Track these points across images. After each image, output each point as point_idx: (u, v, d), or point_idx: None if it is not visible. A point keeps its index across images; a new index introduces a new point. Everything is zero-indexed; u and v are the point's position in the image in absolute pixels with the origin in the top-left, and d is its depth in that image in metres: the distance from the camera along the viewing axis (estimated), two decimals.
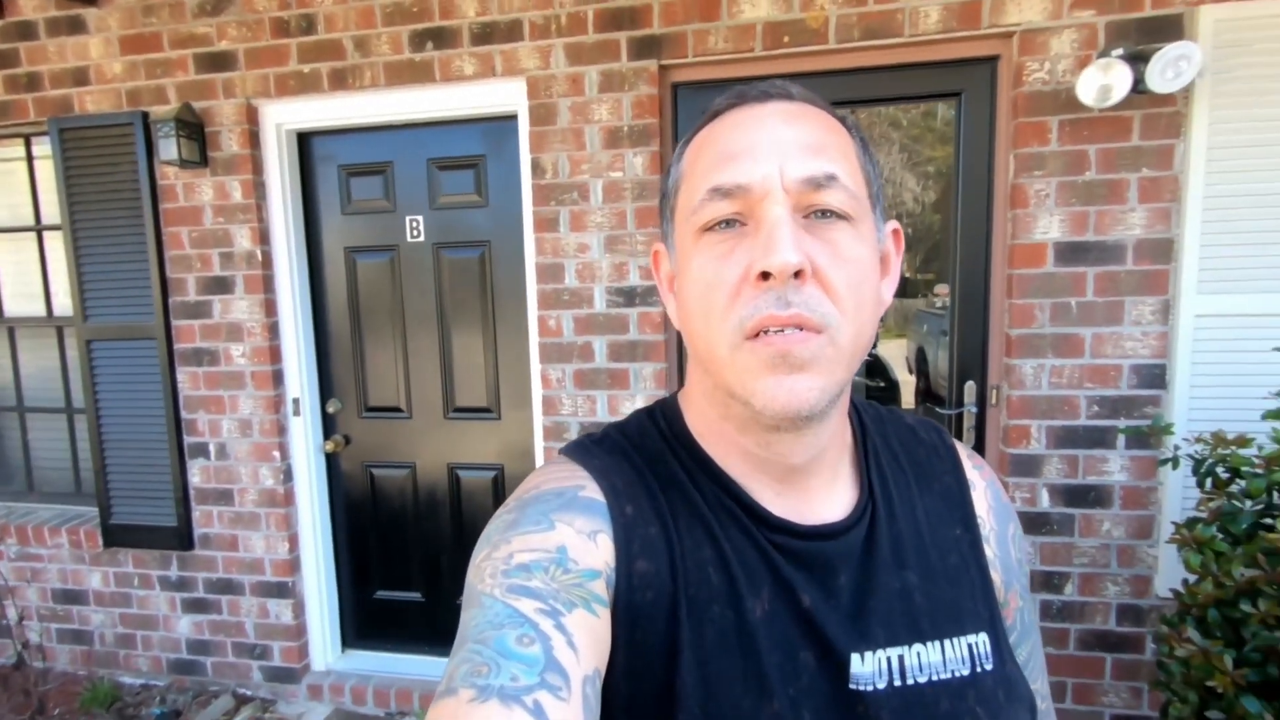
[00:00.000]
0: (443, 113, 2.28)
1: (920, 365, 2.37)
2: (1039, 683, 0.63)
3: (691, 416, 0.59)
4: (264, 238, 2.40)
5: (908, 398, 2.37)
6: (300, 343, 2.47)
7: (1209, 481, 1.48)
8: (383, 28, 2.21)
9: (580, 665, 0.44)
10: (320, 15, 2.24)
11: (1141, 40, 1.80)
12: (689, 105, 2.14)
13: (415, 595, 2.62)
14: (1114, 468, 1.94)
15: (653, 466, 0.56)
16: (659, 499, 0.54)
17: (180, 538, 2.53)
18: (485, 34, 2.15)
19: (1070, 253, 1.91)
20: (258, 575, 2.53)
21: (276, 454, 2.46)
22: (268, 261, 2.42)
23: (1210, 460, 1.46)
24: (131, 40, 2.36)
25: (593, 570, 0.49)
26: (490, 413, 2.47)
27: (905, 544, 0.57)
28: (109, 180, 2.41)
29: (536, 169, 2.17)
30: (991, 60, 1.96)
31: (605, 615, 0.48)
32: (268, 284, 2.41)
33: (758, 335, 0.47)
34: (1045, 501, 1.99)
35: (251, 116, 2.35)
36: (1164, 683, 1.44)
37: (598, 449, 0.58)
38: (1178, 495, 1.89)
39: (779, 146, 0.48)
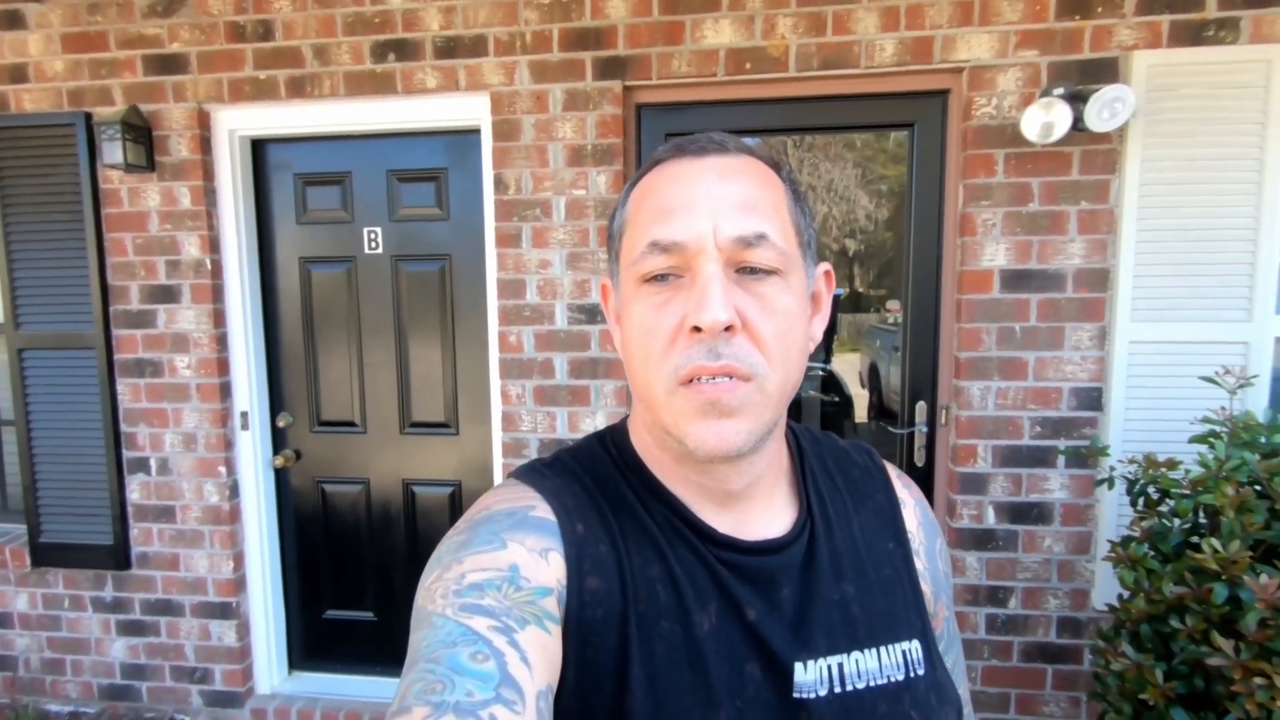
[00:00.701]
0: (404, 124, 2.25)
1: (873, 381, 2.43)
2: (961, 689, 0.66)
3: (637, 443, 0.61)
4: (214, 246, 2.33)
5: (860, 412, 2.43)
6: (250, 354, 2.40)
7: (1141, 501, 1.56)
8: (344, 37, 2.17)
9: (534, 681, 0.45)
10: (279, 22, 2.19)
11: (1081, 81, 1.91)
12: (652, 126, 2.17)
13: (367, 614, 2.55)
14: (1054, 486, 2.03)
15: (603, 488, 0.58)
16: (609, 518, 0.56)
17: (116, 557, 2.41)
18: (449, 48, 2.13)
19: (1015, 280, 1.99)
20: (200, 595, 2.43)
21: (222, 469, 2.38)
22: (217, 270, 2.34)
23: (1142, 481, 1.54)
24: (75, 38, 2.27)
25: (544, 588, 0.50)
26: (448, 428, 2.44)
27: (843, 558, 0.60)
28: (47, 182, 2.31)
29: (499, 184, 2.17)
30: (943, 94, 2.05)
31: (557, 632, 0.49)
32: (217, 293, 2.34)
33: (690, 382, 0.50)
34: (991, 518, 2.06)
35: (203, 122, 2.28)
36: (1100, 694, 1.51)
37: (548, 471, 0.59)
38: (1113, 513, 1.98)
39: (713, 203, 0.51)
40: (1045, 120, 1.81)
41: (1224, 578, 1.16)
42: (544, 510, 0.55)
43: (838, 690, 0.54)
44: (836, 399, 2.44)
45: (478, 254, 2.31)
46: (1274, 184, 1.87)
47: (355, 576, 2.55)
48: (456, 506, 2.47)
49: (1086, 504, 2.02)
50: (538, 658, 0.46)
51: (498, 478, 2.32)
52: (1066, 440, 2.01)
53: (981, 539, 2.07)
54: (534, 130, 2.13)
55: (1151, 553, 1.42)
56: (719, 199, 0.51)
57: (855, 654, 0.56)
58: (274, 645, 2.52)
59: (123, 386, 2.38)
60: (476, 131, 2.24)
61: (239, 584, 2.44)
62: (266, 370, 2.47)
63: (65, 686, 2.55)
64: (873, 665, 0.56)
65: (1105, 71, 1.91)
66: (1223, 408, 1.47)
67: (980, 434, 2.05)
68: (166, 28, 2.24)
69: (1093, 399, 2.00)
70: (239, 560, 2.44)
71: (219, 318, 2.35)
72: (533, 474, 0.59)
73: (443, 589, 0.48)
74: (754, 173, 0.54)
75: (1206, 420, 1.47)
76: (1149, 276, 1.93)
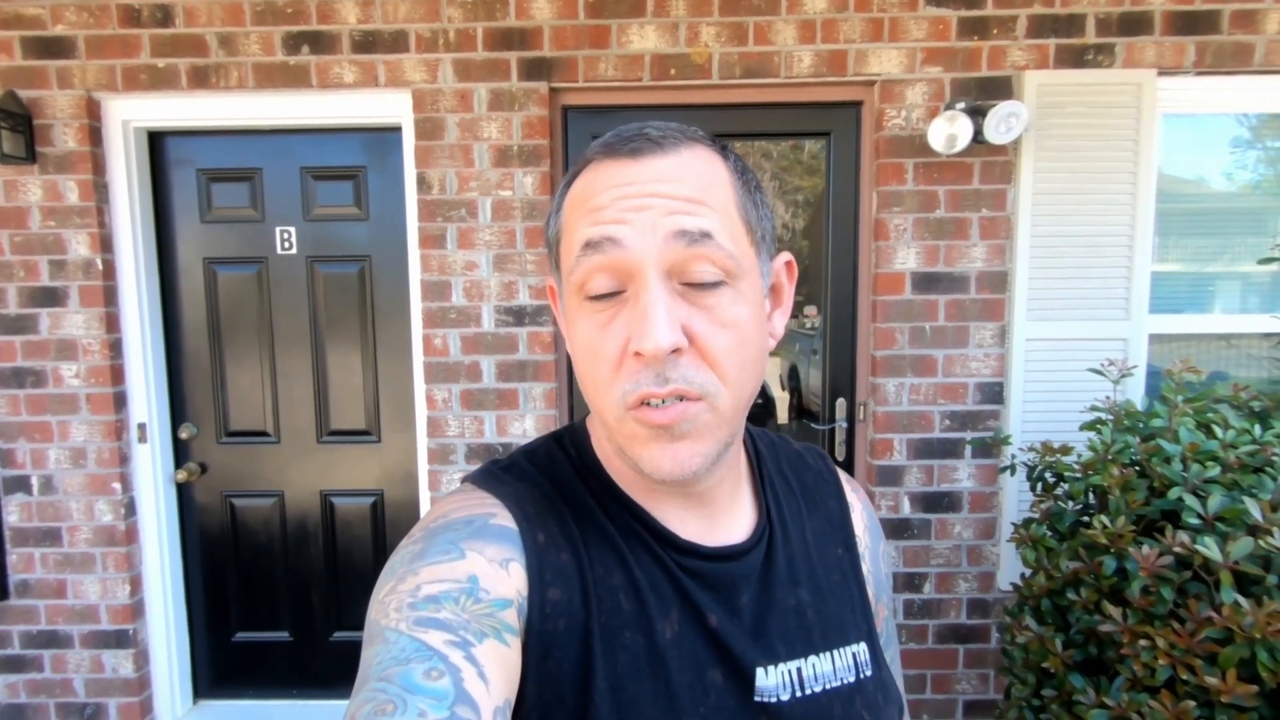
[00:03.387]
0: (320, 120, 2.17)
1: (793, 382, 2.52)
2: (899, 683, 0.68)
3: (598, 445, 0.60)
4: (105, 245, 2.16)
5: (782, 413, 2.51)
6: (148, 361, 2.24)
7: (1039, 486, 1.68)
8: (252, 26, 2.07)
9: (491, 696, 0.43)
10: (179, 7, 2.06)
11: (980, 97, 2.05)
12: (579, 128, 2.17)
13: (282, 635, 2.42)
14: (963, 476, 2.16)
15: (562, 493, 0.56)
16: (569, 525, 0.54)
17: None
18: (367, 42, 2.07)
19: (925, 282, 2.11)
20: (90, 624, 2.23)
21: (117, 486, 2.20)
22: (110, 271, 2.17)
23: (1040, 467, 1.66)
24: None
25: (504, 599, 0.48)
26: (369, 435, 2.35)
27: (798, 563, 0.60)
28: None
29: (422, 184, 2.11)
30: (856, 105, 2.15)
31: (517, 645, 0.48)
32: (109, 296, 2.17)
33: (640, 405, 0.48)
34: (906, 508, 2.17)
35: (93, 111, 2.12)
36: (1007, 668, 1.61)
37: (507, 475, 0.57)
38: (1015, 499, 2.12)
39: (650, 205, 0.48)
40: (949, 132, 1.93)
41: (1112, 551, 1.27)
42: (504, 518, 0.52)
43: (799, 694, 0.55)
44: (760, 401, 2.51)
45: (399, 255, 2.24)
46: (1146, 196, 2.06)
47: (268, 595, 2.41)
48: (379, 517, 2.38)
49: (991, 492, 2.15)
50: (496, 672, 0.45)
51: (423, 486, 2.25)
52: (973, 432, 2.14)
53: (898, 528, 2.17)
54: (458, 129, 2.10)
55: (1050, 532, 1.53)
56: (655, 198, 0.48)
57: (811, 658, 0.57)
58: (177, 673, 2.35)
59: None
60: (398, 130, 2.18)
61: (136, 609, 2.26)
62: (168, 378, 2.31)
63: None
64: (827, 669, 0.57)
65: (1001, 88, 2.06)
66: (1108, 397, 1.61)
67: (895, 428, 2.15)
68: (49, 9, 2.07)
69: (995, 393, 2.14)
70: (136, 584, 2.26)
71: (112, 322, 2.18)
72: (490, 479, 0.57)
73: (396, 602, 0.46)
74: (696, 169, 0.50)
75: (1094, 409, 1.60)
76: (1041, 279, 2.09)
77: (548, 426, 2.18)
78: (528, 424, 2.18)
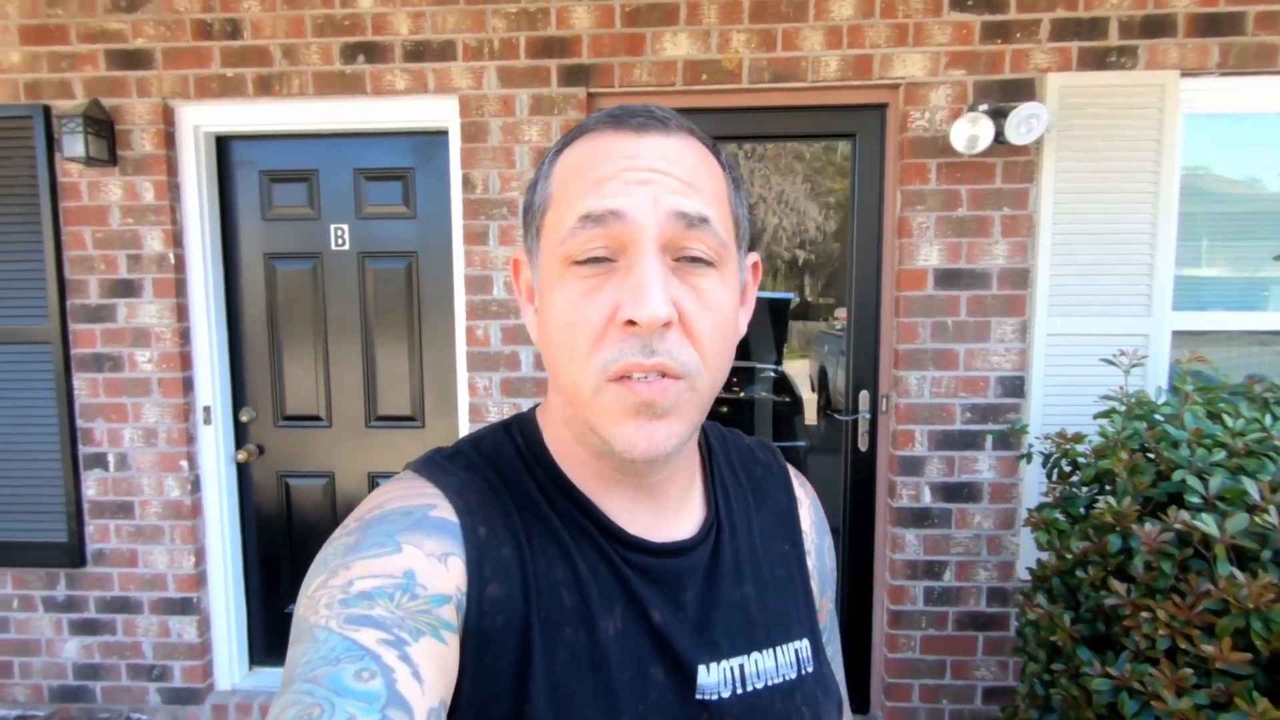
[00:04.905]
0: (372, 124, 2.32)
1: (822, 383, 2.60)
2: (839, 675, 0.70)
3: (549, 433, 0.58)
4: (177, 240, 2.34)
5: (810, 414, 2.58)
6: (213, 349, 2.41)
7: (1055, 473, 1.74)
8: (313, 38, 2.23)
9: (426, 697, 0.42)
10: (247, 21, 2.23)
11: (1003, 99, 2.11)
12: None
13: None
14: (983, 467, 2.22)
15: (508, 485, 0.55)
16: (513, 519, 0.53)
17: (71, 554, 2.38)
18: (418, 51, 2.21)
19: (947, 278, 2.18)
20: (159, 592, 2.41)
21: (184, 464, 2.38)
22: (180, 265, 2.35)
23: (1055, 455, 1.72)
24: (34, 31, 2.26)
25: (442, 595, 0.47)
26: (414, 421, 2.49)
27: (743, 559, 0.60)
28: (1, 175, 2.28)
29: (467, 184, 2.25)
30: (881, 107, 2.23)
31: (454, 642, 0.47)
32: (179, 288, 2.35)
33: (621, 379, 0.47)
34: (927, 498, 2.23)
35: (167, 117, 2.30)
36: (1021, 647, 1.68)
37: (451, 465, 0.55)
38: (1034, 489, 2.18)
39: (654, 180, 0.48)
40: (971, 133, 2.00)
41: (1117, 530, 1.34)
42: (445, 510, 0.51)
43: (739, 691, 0.55)
44: (788, 399, 2.59)
45: (444, 251, 2.38)
46: (1168, 195, 2.10)
47: None
48: None
49: (1011, 483, 2.21)
50: (431, 672, 0.43)
51: None
52: (993, 424, 2.20)
53: (919, 517, 2.24)
54: (501, 133, 2.23)
55: (1062, 516, 1.59)
56: (660, 177, 0.48)
57: (754, 654, 0.57)
58: (235, 641, 2.52)
59: (80, 381, 2.36)
60: (444, 133, 2.32)
61: (200, 579, 2.43)
62: (230, 365, 2.49)
63: (13, 690, 2.48)
64: (769, 665, 0.57)
65: (1024, 91, 2.12)
66: (1121, 387, 1.67)
67: (917, 420, 2.22)
68: (130, 23, 2.25)
69: (1016, 386, 2.19)
70: (200, 555, 2.44)
71: (181, 312, 2.36)
72: (433, 467, 0.55)
73: (327, 598, 0.44)
74: (696, 155, 0.51)
75: (1106, 398, 1.66)
76: (1063, 275, 2.14)
77: None
78: None
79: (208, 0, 2.23)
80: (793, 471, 0.71)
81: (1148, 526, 1.26)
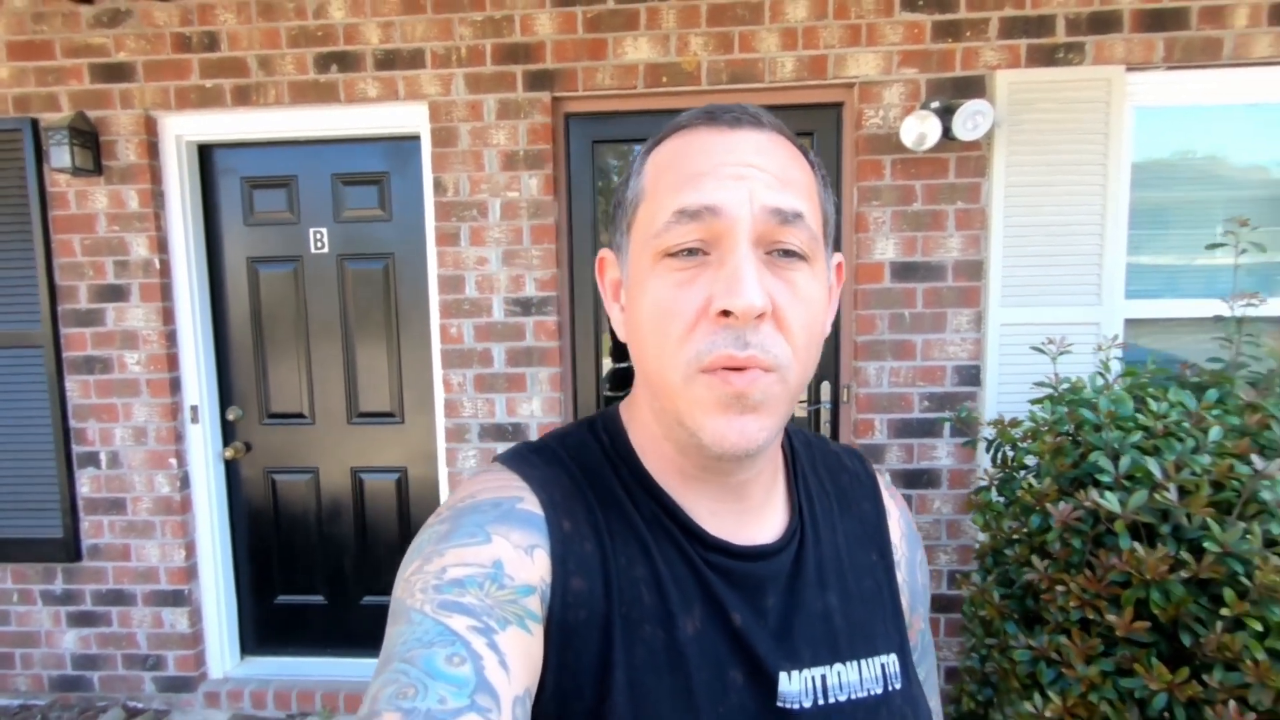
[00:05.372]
0: (347, 131, 2.40)
1: None
2: (934, 701, 0.67)
3: (634, 430, 0.59)
4: (162, 246, 2.43)
5: None
6: (199, 350, 2.50)
7: (999, 457, 1.81)
8: (287, 49, 2.31)
9: (512, 685, 0.43)
10: (223, 33, 2.31)
11: (954, 96, 2.17)
12: (580, 133, 2.36)
13: (318, 598, 2.67)
14: (942, 454, 2.28)
15: (591, 481, 0.56)
16: (596, 515, 0.54)
17: (67, 549, 2.48)
18: (388, 60, 2.29)
19: (903, 271, 2.24)
20: (151, 584, 2.51)
21: (173, 461, 2.47)
22: (166, 270, 2.44)
23: (997, 440, 1.79)
24: (20, 46, 2.35)
25: (528, 586, 0.48)
26: (394, 417, 2.58)
27: (827, 567, 0.59)
28: None
29: (438, 187, 2.33)
30: (837, 106, 2.29)
31: (539, 633, 0.48)
32: (165, 292, 2.44)
33: (712, 370, 0.48)
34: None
35: (150, 127, 2.39)
36: (965, 625, 1.75)
37: (537, 459, 0.57)
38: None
39: (749, 175, 0.48)
40: (920, 130, 2.06)
41: (1037, 509, 1.41)
42: (531, 503, 0.52)
43: (821, 702, 0.54)
44: None
45: (419, 252, 2.46)
46: (1117, 186, 2.16)
47: (306, 562, 2.66)
48: (404, 491, 2.61)
49: (969, 469, 2.28)
50: (517, 661, 0.44)
51: (442, 463, 2.47)
52: (951, 413, 2.27)
53: None
54: (470, 137, 2.30)
55: (1000, 498, 1.66)
56: (755, 171, 0.48)
57: (837, 666, 0.55)
58: (226, 631, 2.62)
59: (72, 383, 2.46)
60: (416, 138, 2.40)
61: (191, 572, 2.53)
62: (216, 365, 2.58)
63: (14, 680, 2.59)
64: (853, 678, 0.56)
65: (974, 88, 2.18)
66: (1054, 374, 1.73)
67: (877, 409, 2.29)
68: (112, 37, 2.34)
69: (972, 375, 2.26)
70: (190, 549, 2.53)
71: (168, 315, 2.45)
72: (520, 461, 0.57)
73: (422, 582, 0.47)
74: (789, 152, 0.52)
75: (1039, 384, 1.73)
76: (1015, 266, 2.20)
77: (553, 408, 2.38)
78: (535, 405, 2.38)
79: (186, 14, 2.31)
80: (883, 482, 0.69)
81: (1061, 505, 1.33)
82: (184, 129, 2.41)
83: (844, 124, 2.29)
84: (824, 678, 0.54)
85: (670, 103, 2.29)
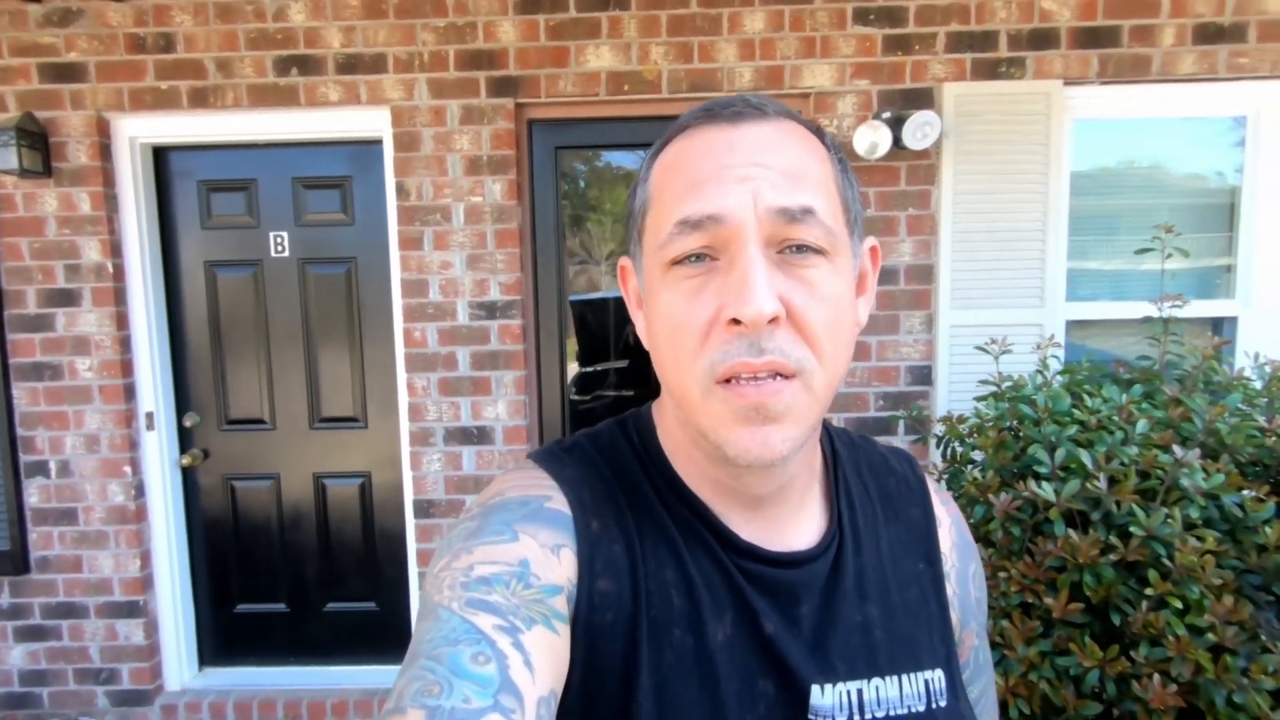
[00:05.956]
0: (308, 135, 2.39)
1: None
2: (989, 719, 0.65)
3: (664, 434, 0.58)
4: (115, 250, 2.38)
5: None
6: (155, 356, 2.46)
7: (948, 452, 1.89)
8: (246, 51, 2.29)
9: (536, 686, 0.43)
10: (180, 35, 2.29)
11: (904, 106, 2.26)
12: (543, 139, 2.39)
13: (279, 606, 2.63)
14: None
15: (621, 481, 0.55)
16: (625, 516, 0.53)
17: (15, 561, 2.41)
18: (350, 64, 2.29)
19: None
20: (105, 596, 2.45)
21: (128, 469, 2.42)
22: (119, 274, 2.39)
23: (946, 437, 1.87)
24: None
25: (554, 586, 0.48)
26: (357, 422, 2.57)
27: (868, 576, 0.56)
28: None
29: (401, 191, 2.33)
30: None
31: (565, 633, 0.47)
32: (119, 296, 2.39)
33: (729, 381, 0.46)
34: None
35: (103, 129, 2.34)
36: None
37: (568, 457, 0.57)
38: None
39: (753, 175, 0.46)
40: (872, 140, 2.14)
41: (981, 500, 1.48)
42: (559, 502, 0.52)
43: (856, 718, 0.52)
44: None
45: (382, 256, 2.46)
46: (1057, 194, 2.27)
47: (267, 570, 2.62)
48: (367, 496, 2.59)
49: (923, 465, 2.35)
50: (542, 661, 0.44)
51: (406, 467, 2.47)
52: (904, 411, 2.35)
53: None
54: (433, 142, 2.31)
55: (950, 492, 1.74)
56: (759, 168, 0.46)
57: (875, 680, 0.53)
58: (183, 641, 2.57)
59: (19, 390, 2.39)
60: (379, 142, 2.40)
61: (146, 582, 2.48)
62: (172, 371, 2.53)
63: None
64: (893, 694, 0.54)
65: (924, 99, 2.27)
66: (998, 372, 1.82)
67: (835, 408, 2.36)
68: (63, 37, 2.29)
69: (924, 375, 2.35)
70: (145, 559, 2.48)
71: (122, 320, 2.40)
72: (551, 459, 0.56)
73: (450, 579, 0.47)
74: (798, 140, 0.49)
75: (983, 382, 1.81)
76: (964, 270, 2.30)
77: (518, 411, 2.39)
78: (500, 408, 2.40)
79: (141, 15, 2.28)
80: (934, 487, 0.66)
81: (1002, 496, 1.40)
82: (138, 131, 2.37)
83: None
84: (860, 692, 0.53)
85: (632, 110, 2.34)
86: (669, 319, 0.48)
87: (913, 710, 0.54)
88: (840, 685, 0.52)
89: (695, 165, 0.48)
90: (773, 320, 0.44)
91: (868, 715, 0.52)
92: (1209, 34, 2.22)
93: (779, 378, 0.45)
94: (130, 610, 2.46)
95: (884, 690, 0.53)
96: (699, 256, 0.47)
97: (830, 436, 0.63)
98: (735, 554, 0.53)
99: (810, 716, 0.51)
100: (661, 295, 0.49)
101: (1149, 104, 2.30)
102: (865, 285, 0.55)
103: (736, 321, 0.45)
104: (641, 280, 0.54)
